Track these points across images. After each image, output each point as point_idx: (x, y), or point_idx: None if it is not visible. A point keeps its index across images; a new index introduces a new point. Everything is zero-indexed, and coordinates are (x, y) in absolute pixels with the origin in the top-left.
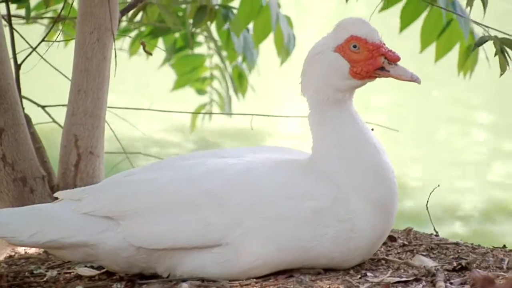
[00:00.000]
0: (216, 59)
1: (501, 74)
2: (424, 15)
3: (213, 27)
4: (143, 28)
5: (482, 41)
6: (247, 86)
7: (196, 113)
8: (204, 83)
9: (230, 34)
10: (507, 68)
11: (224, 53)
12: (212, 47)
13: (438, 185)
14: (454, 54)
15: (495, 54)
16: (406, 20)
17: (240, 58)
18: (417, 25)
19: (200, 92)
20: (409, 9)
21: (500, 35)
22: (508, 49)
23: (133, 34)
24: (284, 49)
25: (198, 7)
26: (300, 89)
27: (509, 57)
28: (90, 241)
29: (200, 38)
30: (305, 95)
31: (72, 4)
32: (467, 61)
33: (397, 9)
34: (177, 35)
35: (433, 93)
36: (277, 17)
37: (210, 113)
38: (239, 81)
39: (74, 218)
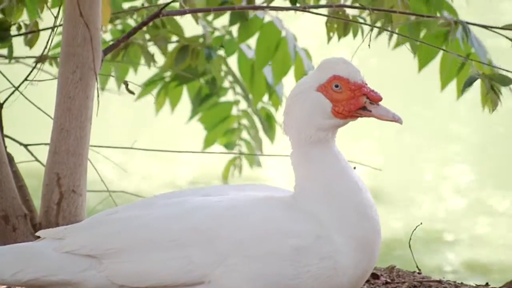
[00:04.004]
0: (243, 105)
1: (492, 111)
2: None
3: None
4: (168, 76)
5: (472, 80)
6: (275, 127)
7: (186, 152)
8: (233, 134)
9: (253, 71)
10: (499, 104)
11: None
12: (239, 92)
13: (421, 223)
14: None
15: (487, 93)
16: (424, 59)
17: (266, 96)
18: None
19: (229, 147)
20: (425, 48)
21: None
22: (498, 85)
23: (158, 87)
24: None
25: (180, 47)
26: (282, 128)
27: (500, 93)
28: (73, 279)
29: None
30: (288, 134)
31: (50, 42)
32: (488, 95)
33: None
34: (202, 81)
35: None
36: (295, 50)
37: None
38: (268, 123)
39: (56, 256)
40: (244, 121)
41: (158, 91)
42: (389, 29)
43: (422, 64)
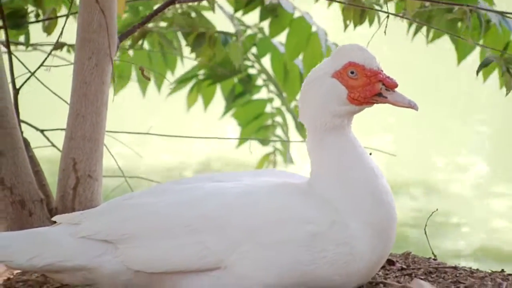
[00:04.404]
0: (276, 103)
1: (507, 93)
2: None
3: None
4: (201, 74)
5: (487, 62)
6: None
7: (194, 137)
8: (267, 131)
9: (286, 69)
10: None
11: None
12: (272, 90)
13: (437, 209)
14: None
15: (502, 75)
16: (462, 52)
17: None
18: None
19: (263, 143)
20: (463, 41)
21: None
22: None
23: (191, 84)
24: None
25: (197, 34)
26: (298, 115)
27: None
28: (88, 264)
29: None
30: (304, 121)
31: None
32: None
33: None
34: (235, 80)
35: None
36: (327, 45)
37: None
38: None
39: (72, 242)
40: (278, 119)
41: (191, 88)
42: (405, 17)
43: (461, 56)
